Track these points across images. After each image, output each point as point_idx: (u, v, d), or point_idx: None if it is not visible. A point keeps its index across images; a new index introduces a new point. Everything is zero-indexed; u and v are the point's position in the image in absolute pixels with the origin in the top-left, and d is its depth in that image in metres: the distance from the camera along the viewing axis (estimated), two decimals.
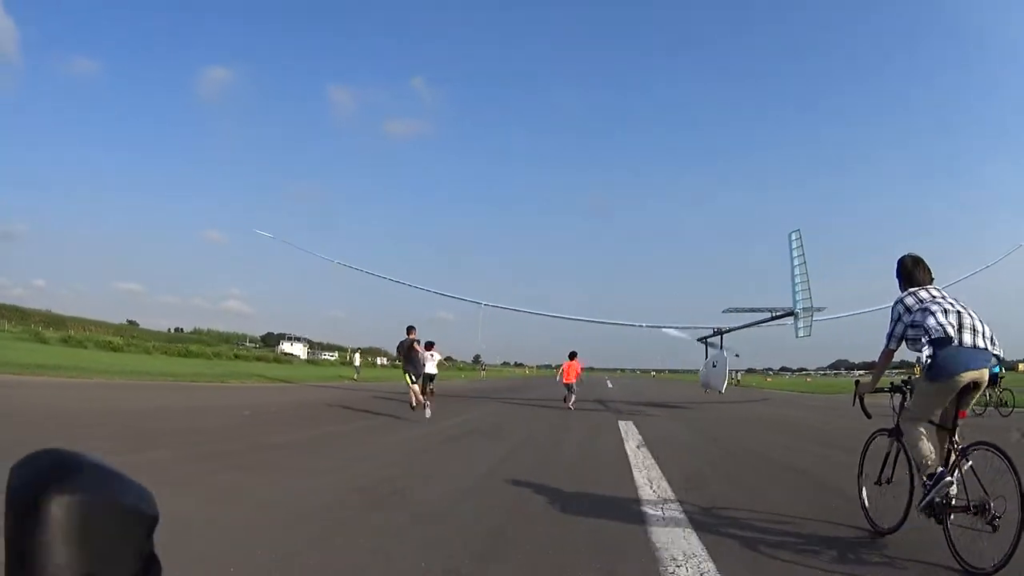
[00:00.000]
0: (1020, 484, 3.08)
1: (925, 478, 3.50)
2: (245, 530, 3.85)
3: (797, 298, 20.01)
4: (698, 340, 23.47)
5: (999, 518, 3.13)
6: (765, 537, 3.91)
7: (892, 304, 3.86)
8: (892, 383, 4.08)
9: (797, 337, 19.86)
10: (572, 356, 17.18)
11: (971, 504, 3.27)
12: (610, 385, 42.07)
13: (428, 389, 13.81)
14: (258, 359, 43.01)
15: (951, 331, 3.42)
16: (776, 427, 13.63)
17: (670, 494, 5.22)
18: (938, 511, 3.43)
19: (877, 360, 3.97)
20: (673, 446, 9.01)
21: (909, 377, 4.30)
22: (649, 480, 5.89)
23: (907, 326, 3.68)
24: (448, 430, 10.43)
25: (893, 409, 4.05)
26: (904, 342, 3.73)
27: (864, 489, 4.25)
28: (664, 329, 23.50)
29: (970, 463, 3.39)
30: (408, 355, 12.33)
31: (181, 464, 5.87)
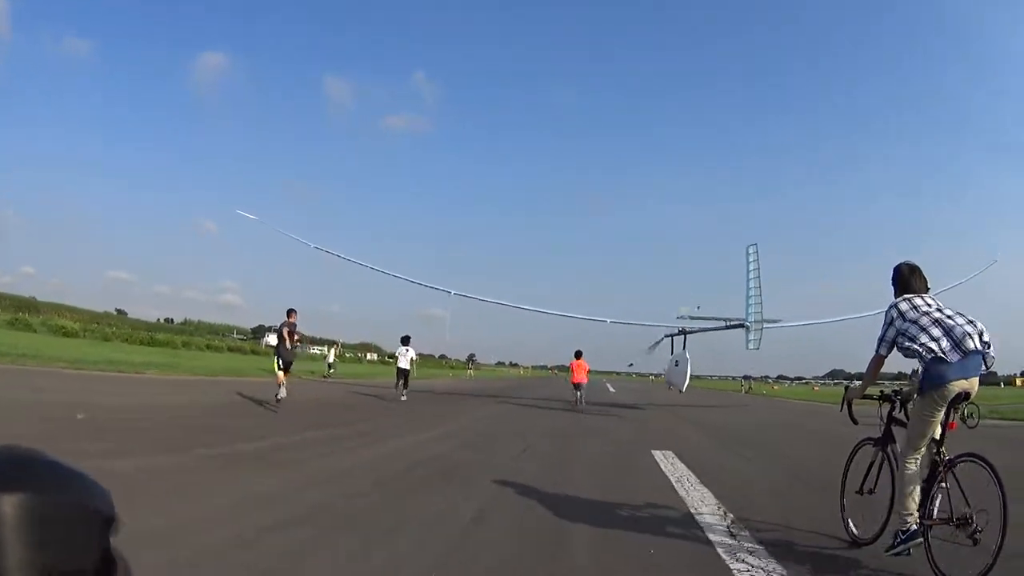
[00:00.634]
0: (1004, 497, 3.04)
1: (900, 530, 3.45)
2: None
3: (750, 311, 20.40)
4: (665, 336, 23.76)
5: (981, 532, 3.10)
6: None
7: (886, 309, 3.82)
8: (882, 391, 4.04)
9: (747, 349, 20.42)
10: (578, 355, 16.82)
11: (954, 517, 3.24)
12: (612, 389, 38.46)
13: (402, 383, 15.29)
14: (231, 350, 39.77)
15: (944, 347, 3.40)
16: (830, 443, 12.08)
17: None
18: (921, 523, 3.40)
19: (867, 367, 3.92)
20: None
21: (900, 388, 4.26)
22: None
23: (899, 332, 3.64)
24: (390, 461, 6.59)
25: (880, 418, 4.02)
26: (897, 349, 3.69)
27: (845, 498, 4.21)
28: (631, 324, 23.98)
29: (954, 476, 3.35)
30: (280, 338, 11.56)
31: None
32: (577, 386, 16.72)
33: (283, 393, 10.75)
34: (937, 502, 3.40)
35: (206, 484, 4.84)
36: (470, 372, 55.25)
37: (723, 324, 21.49)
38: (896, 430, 3.92)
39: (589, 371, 17.28)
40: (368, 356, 67.32)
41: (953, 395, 3.39)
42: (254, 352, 41.53)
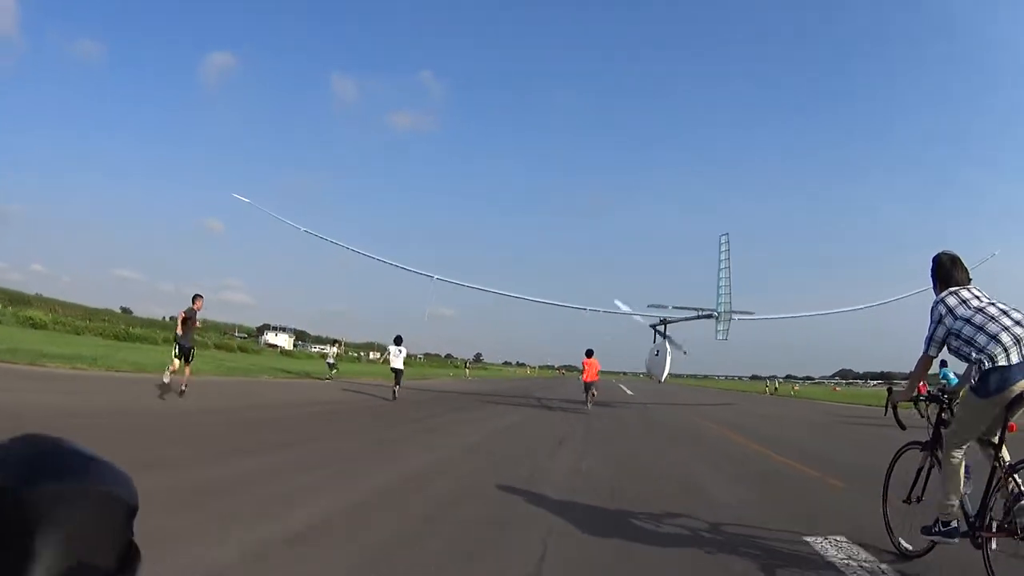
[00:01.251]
0: None
1: (940, 519, 3.24)
2: None
3: (720, 300, 20.35)
4: (650, 326, 23.78)
5: None
6: None
7: (932, 305, 3.52)
8: (929, 392, 3.74)
9: (716, 339, 20.37)
10: (590, 354, 16.61)
11: (1018, 527, 2.94)
12: (629, 392, 34.23)
13: (396, 383, 15.64)
14: (217, 347, 36.34)
15: (1006, 345, 3.11)
16: None
17: None
18: (977, 534, 3.11)
19: (914, 367, 3.63)
20: None
21: (944, 387, 3.95)
22: None
23: (949, 331, 3.35)
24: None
25: (928, 421, 3.72)
26: (948, 350, 3.39)
27: (889, 507, 3.92)
28: (618, 306, 24.15)
29: (1016, 482, 3.05)
30: (183, 325, 10.97)
31: None
32: (587, 385, 16.46)
33: (167, 379, 10.43)
34: (996, 512, 3.10)
35: None
36: (467, 371, 52.76)
37: (695, 314, 21.61)
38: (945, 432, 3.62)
39: (600, 370, 17.05)
40: (371, 355, 66.80)
41: (1014, 397, 3.10)
42: (241, 350, 39.60)
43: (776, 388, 51.70)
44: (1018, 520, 2.95)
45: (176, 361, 10.67)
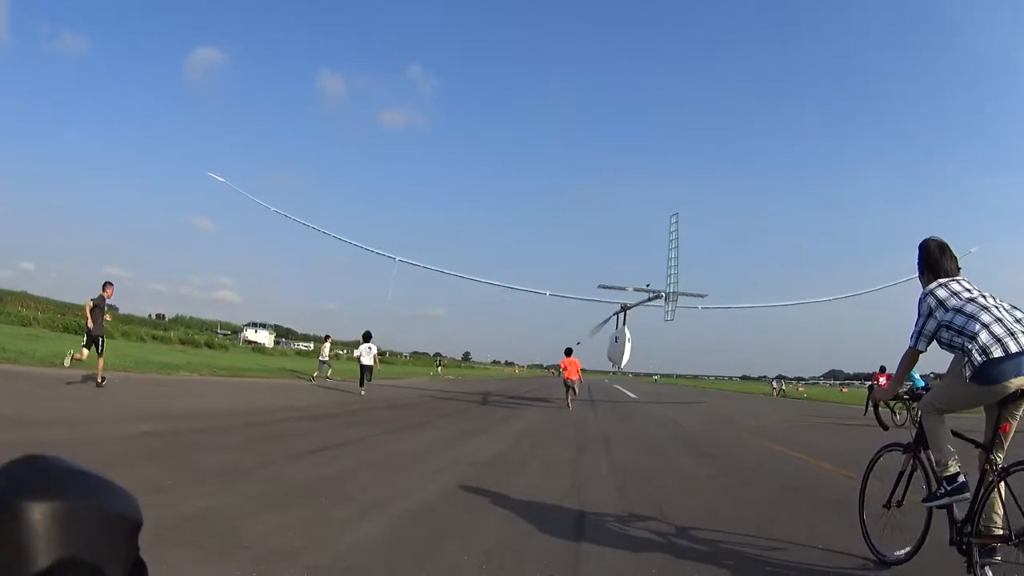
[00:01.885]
0: None
1: (944, 480, 2.98)
2: None
3: (669, 280, 20.45)
4: (614, 315, 23.76)
5: None
6: None
7: (920, 297, 3.27)
8: (913, 389, 3.46)
9: (665, 320, 20.42)
10: (568, 352, 16.72)
11: (1013, 533, 2.69)
12: (632, 395, 28.86)
13: (366, 380, 15.67)
14: (182, 342, 33.85)
15: (999, 337, 2.85)
16: None
17: None
18: (965, 540, 2.85)
19: (899, 363, 3.35)
20: None
21: (927, 385, 3.69)
22: None
23: (940, 324, 3.09)
24: None
25: (912, 421, 3.45)
26: (937, 343, 3.13)
27: (866, 513, 3.65)
28: (583, 297, 24.29)
29: (1007, 487, 2.79)
30: (92, 315, 10.53)
31: None
32: (568, 384, 16.33)
33: (68, 362, 10.33)
34: (988, 516, 2.84)
35: None
36: (439, 369, 46.68)
37: (648, 296, 21.63)
38: None
39: (581, 369, 16.95)
40: (354, 352, 65.42)
41: (1008, 393, 2.83)
42: (208, 345, 36.21)
43: (783, 390, 47.24)
44: (1013, 526, 2.70)
45: (85, 351, 10.35)
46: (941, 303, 3.12)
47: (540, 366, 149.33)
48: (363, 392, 15.24)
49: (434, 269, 24.34)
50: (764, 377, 56.90)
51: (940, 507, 3.02)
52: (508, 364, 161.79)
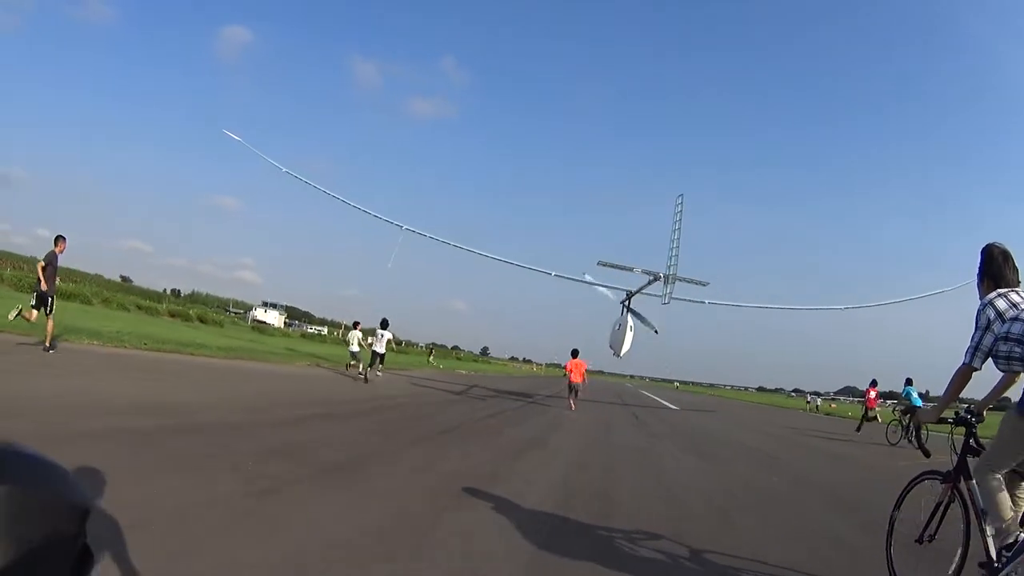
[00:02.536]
0: None
1: (1002, 546, 2.64)
2: None
3: (670, 262, 19.85)
4: (620, 302, 23.26)
5: None
6: None
7: (978, 309, 2.96)
8: (957, 414, 3.11)
9: (662, 304, 19.95)
10: (575, 354, 16.44)
11: None
12: (674, 408, 25.45)
13: (379, 363, 16.25)
14: (171, 314, 32.25)
15: None
16: None
17: None
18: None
19: (950, 381, 3.01)
20: None
21: (970, 407, 3.33)
22: None
23: (998, 337, 2.77)
24: None
25: (952, 448, 3.10)
26: (993, 360, 2.81)
27: (894, 547, 3.32)
28: (587, 279, 24.14)
29: None
30: (44, 272, 9.77)
31: None
32: (572, 386, 15.95)
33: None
34: None
35: None
36: (431, 359, 43.21)
37: (648, 280, 21.19)
38: (972, 462, 3.01)
39: (587, 371, 16.66)
40: (369, 340, 65.15)
41: None
42: (201, 320, 34.61)
43: (818, 406, 46.44)
44: None
45: (34, 312, 9.68)
46: (1000, 315, 2.82)
47: (558, 365, 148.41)
48: (379, 374, 15.59)
49: (440, 240, 24.30)
50: (781, 390, 54.79)
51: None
52: (526, 361, 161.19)
